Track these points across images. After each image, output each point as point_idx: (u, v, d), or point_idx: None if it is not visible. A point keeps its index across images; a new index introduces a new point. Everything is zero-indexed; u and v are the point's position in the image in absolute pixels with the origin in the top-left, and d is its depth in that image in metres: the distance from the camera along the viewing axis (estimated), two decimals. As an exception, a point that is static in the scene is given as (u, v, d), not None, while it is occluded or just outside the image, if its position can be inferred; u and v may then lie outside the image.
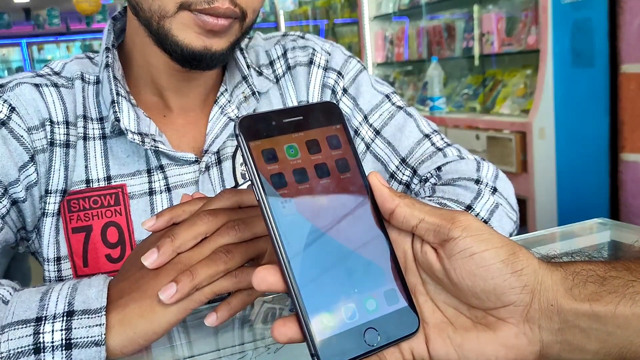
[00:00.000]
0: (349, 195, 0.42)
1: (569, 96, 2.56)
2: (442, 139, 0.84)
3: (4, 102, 0.70)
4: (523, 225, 2.70)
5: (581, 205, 2.58)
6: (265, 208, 0.39)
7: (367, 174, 0.43)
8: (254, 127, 0.41)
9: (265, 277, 0.39)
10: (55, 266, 0.73)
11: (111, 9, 7.99)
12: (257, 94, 0.79)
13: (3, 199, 0.69)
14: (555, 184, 2.67)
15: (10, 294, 0.51)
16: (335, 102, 0.83)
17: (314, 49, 0.85)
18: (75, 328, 0.47)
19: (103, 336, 0.47)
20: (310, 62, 0.84)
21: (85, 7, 6.31)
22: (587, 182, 2.55)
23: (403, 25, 4.09)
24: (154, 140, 0.73)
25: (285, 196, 0.40)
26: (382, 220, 0.43)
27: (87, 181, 0.73)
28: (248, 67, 0.80)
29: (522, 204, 2.68)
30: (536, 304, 0.39)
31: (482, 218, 0.70)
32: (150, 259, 0.49)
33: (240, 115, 0.39)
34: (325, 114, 0.43)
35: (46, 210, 0.73)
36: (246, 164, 0.40)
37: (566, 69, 2.55)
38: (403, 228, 0.42)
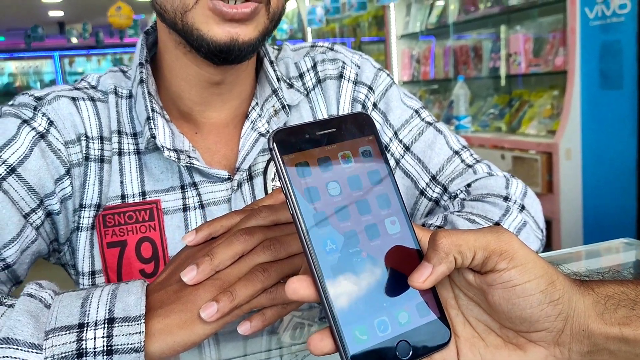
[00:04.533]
0: (381, 207, 0.42)
1: (596, 117, 2.55)
2: (472, 155, 0.84)
3: (42, 115, 0.72)
4: (548, 246, 2.67)
5: (607, 226, 2.55)
6: (299, 221, 0.40)
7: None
8: (288, 141, 0.41)
9: (298, 290, 0.40)
10: (90, 280, 0.74)
11: (143, 24, 8.14)
12: (287, 107, 0.79)
13: (38, 210, 0.70)
14: (581, 205, 2.64)
15: (51, 297, 0.52)
16: None
17: (343, 62, 0.85)
18: (116, 335, 0.49)
19: (142, 343, 0.48)
20: (341, 76, 0.84)
21: (118, 21, 6.46)
22: (614, 203, 2.53)
23: (430, 44, 4.10)
24: (189, 157, 0.73)
25: (318, 209, 0.40)
26: (414, 232, 0.43)
27: (123, 196, 0.74)
28: (278, 80, 0.80)
29: (548, 224, 2.65)
30: (568, 330, 0.40)
31: None
32: (189, 276, 0.51)
33: (273, 129, 0.39)
34: (357, 125, 0.44)
35: (80, 225, 0.74)
36: (280, 178, 0.40)
37: (594, 90, 2.54)
38: (462, 267, 0.41)
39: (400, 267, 0.41)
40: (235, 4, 0.65)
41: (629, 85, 2.40)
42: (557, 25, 2.86)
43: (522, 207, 0.75)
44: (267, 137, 0.41)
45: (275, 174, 0.79)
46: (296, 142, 0.41)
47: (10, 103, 0.74)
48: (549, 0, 2.87)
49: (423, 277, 0.39)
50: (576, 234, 2.65)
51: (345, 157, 0.42)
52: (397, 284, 0.41)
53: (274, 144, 0.40)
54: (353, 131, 0.43)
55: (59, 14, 8.58)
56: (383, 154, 0.44)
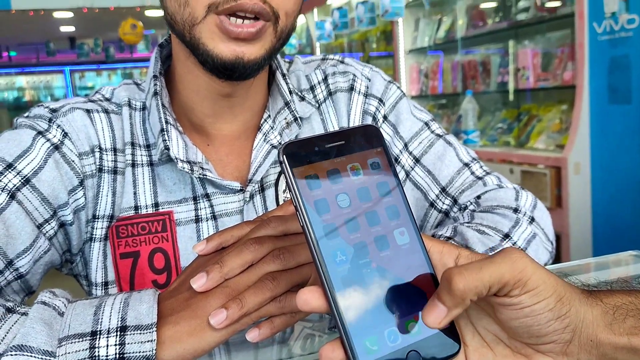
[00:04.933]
0: (390, 218, 0.43)
1: (605, 132, 2.55)
2: (481, 167, 0.84)
3: (57, 127, 0.73)
4: (557, 260, 2.66)
5: (617, 241, 2.54)
6: (309, 232, 0.40)
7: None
8: (298, 153, 0.42)
9: (308, 300, 0.40)
10: (103, 291, 0.75)
11: (153, 39, 8.22)
12: (299, 119, 0.80)
13: (52, 220, 0.70)
14: (590, 219, 2.63)
15: (65, 305, 0.53)
16: None
17: (354, 75, 0.86)
18: (128, 343, 0.49)
19: (154, 351, 0.49)
20: (351, 88, 0.85)
21: (133, 39, 6.57)
22: (623, 218, 2.51)
23: (438, 59, 4.12)
24: (202, 169, 0.74)
25: (328, 221, 0.41)
26: (423, 242, 0.43)
27: (136, 207, 0.75)
28: (291, 92, 0.81)
29: (557, 239, 2.64)
30: (576, 340, 0.40)
31: (519, 247, 0.71)
32: (199, 283, 0.51)
33: (283, 142, 0.39)
34: (366, 137, 0.44)
35: (93, 235, 0.74)
36: (290, 190, 0.41)
37: (602, 105, 2.54)
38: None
39: (410, 278, 0.41)
40: (242, 22, 0.65)
41: (638, 99, 2.40)
42: (566, 39, 2.87)
43: (532, 219, 0.75)
44: (278, 149, 0.41)
45: (285, 186, 0.79)
46: (306, 155, 0.42)
47: (25, 115, 0.76)
48: (557, 15, 2.88)
49: (438, 319, 0.39)
50: (585, 248, 2.64)
51: (354, 169, 0.43)
52: (406, 294, 0.41)
53: (284, 156, 0.41)
54: (362, 143, 0.44)
55: (71, 29, 8.68)
56: (392, 165, 0.44)
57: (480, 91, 3.54)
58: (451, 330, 0.41)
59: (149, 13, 6.81)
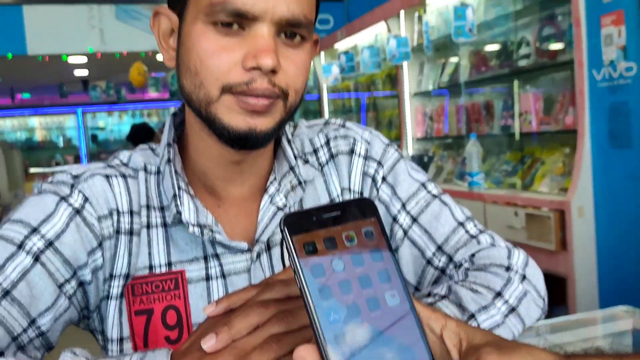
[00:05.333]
0: (382, 281, 0.47)
1: (607, 176, 2.58)
2: (475, 225, 0.89)
3: (79, 193, 0.78)
4: (563, 304, 2.66)
5: (622, 285, 2.55)
6: (305, 293, 0.44)
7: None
8: (297, 223, 0.46)
9: (305, 357, 0.44)
10: (118, 346, 0.79)
11: (163, 81, 8.38)
12: (303, 183, 0.85)
13: (72, 280, 0.75)
14: (595, 263, 2.65)
15: None
16: (375, 189, 0.89)
17: (354, 138, 0.91)
18: None
19: None
20: (352, 151, 0.90)
21: (142, 81, 6.75)
22: (628, 261, 2.53)
23: (442, 102, 4.20)
24: (211, 231, 0.79)
25: (323, 283, 0.45)
26: (413, 305, 0.47)
27: (150, 267, 0.80)
28: (295, 157, 0.86)
29: (562, 282, 2.66)
30: None
31: (511, 305, 0.75)
32: (209, 344, 0.55)
33: (286, 212, 0.44)
34: (361, 208, 0.49)
35: (110, 293, 0.79)
36: (289, 256, 0.45)
37: (604, 149, 2.58)
38: None
39: (399, 337, 0.45)
40: (258, 99, 0.72)
41: (639, 144, 2.44)
42: (566, 84, 2.93)
43: (524, 277, 0.79)
44: (280, 219, 0.46)
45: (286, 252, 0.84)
46: (304, 224, 0.46)
47: (49, 180, 0.81)
48: (557, 62, 2.95)
49: None
50: (591, 292, 2.65)
51: (349, 237, 0.47)
52: (397, 355, 0.44)
53: (285, 226, 0.46)
54: (356, 214, 0.48)
55: (84, 72, 8.88)
56: (384, 234, 0.49)
57: (484, 134, 3.59)
58: None
59: (159, 57, 6.97)
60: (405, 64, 4.31)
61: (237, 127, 0.73)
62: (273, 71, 0.71)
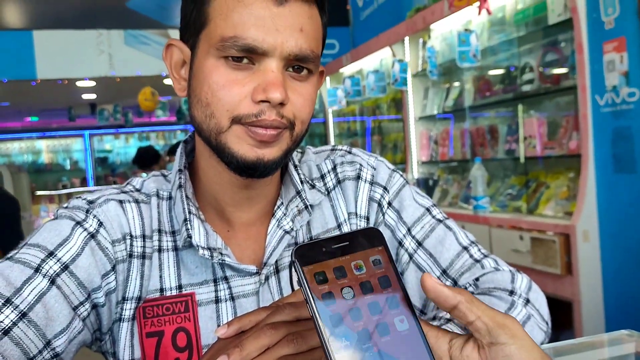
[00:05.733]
0: (390, 307, 0.49)
1: (612, 200, 2.59)
2: (480, 250, 0.91)
3: (94, 217, 0.81)
4: (569, 328, 2.66)
5: (629, 309, 2.55)
6: (317, 321, 0.47)
7: (422, 276, 0.51)
8: (308, 254, 0.49)
9: None
10: None
11: (171, 105, 8.46)
12: (309, 207, 0.87)
13: (86, 303, 0.77)
14: (601, 287, 2.65)
15: None
16: (381, 214, 0.91)
17: (360, 165, 0.94)
18: None
19: None
20: (358, 177, 0.93)
21: (152, 105, 6.86)
22: (634, 286, 2.53)
23: (447, 126, 4.23)
24: (221, 254, 0.81)
25: (334, 311, 0.47)
26: (421, 328, 0.49)
27: (161, 290, 0.82)
28: (302, 182, 0.89)
29: (568, 306, 2.65)
30: None
31: None
32: None
33: (297, 245, 0.47)
34: (368, 238, 0.51)
35: (122, 316, 0.81)
36: (301, 285, 0.48)
37: (608, 174, 2.60)
38: (461, 321, 0.49)
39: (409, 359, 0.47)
40: (266, 130, 0.75)
41: (642, 169, 2.46)
42: (570, 109, 2.95)
43: (527, 301, 0.81)
44: (291, 251, 0.49)
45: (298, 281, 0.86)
46: (315, 255, 0.49)
47: (65, 205, 0.84)
48: (560, 87, 2.98)
49: (432, 282, 0.50)
50: (598, 316, 2.64)
51: (358, 266, 0.50)
52: None
53: (296, 258, 0.48)
54: (364, 243, 0.51)
55: (92, 96, 8.98)
56: (391, 261, 0.51)
57: (489, 158, 3.61)
58: None
59: (167, 82, 7.05)
60: (410, 88, 4.35)
61: (245, 157, 0.76)
62: (281, 104, 0.74)
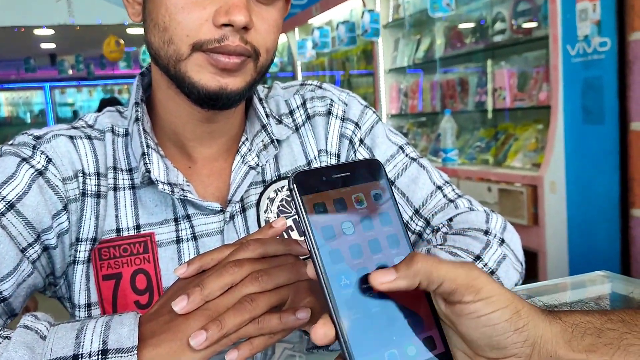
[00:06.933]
0: (391, 246, 0.46)
1: (579, 152, 2.60)
2: (454, 190, 0.87)
3: (41, 154, 0.75)
4: (534, 278, 2.70)
5: (592, 259, 2.59)
6: (317, 257, 0.43)
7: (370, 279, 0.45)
8: (307, 182, 0.45)
9: (328, 334, 0.42)
10: (86, 312, 0.76)
11: (134, 56, 8.22)
12: (275, 141, 0.83)
13: (35, 244, 0.72)
14: (566, 237, 2.68)
15: (47, 329, 0.54)
16: (352, 151, 0.87)
17: (331, 100, 0.89)
18: None
19: None
20: (329, 113, 0.88)
21: (117, 56, 6.63)
22: (598, 236, 2.57)
23: (417, 79, 4.18)
24: (182, 190, 0.76)
25: (334, 246, 0.43)
26: None
27: (118, 230, 0.77)
28: (267, 116, 0.84)
29: (533, 256, 2.69)
30: (536, 355, 0.43)
31: (490, 268, 0.74)
32: (180, 305, 0.53)
33: (294, 171, 0.42)
34: (370, 169, 0.47)
35: (77, 258, 0.76)
36: (299, 216, 0.44)
37: (577, 125, 2.60)
38: (428, 290, 0.44)
39: (408, 303, 0.44)
40: (229, 57, 0.69)
41: (611, 120, 2.46)
42: (541, 60, 2.93)
43: (502, 241, 0.78)
44: (288, 177, 0.44)
45: (267, 206, 0.82)
46: (314, 184, 0.45)
47: (10, 142, 0.77)
48: (532, 38, 2.95)
49: (383, 280, 0.42)
50: (562, 266, 2.68)
51: (359, 200, 0.46)
52: (405, 319, 0.44)
53: (294, 184, 0.44)
54: (365, 175, 0.47)
55: (51, 46, 8.65)
56: (392, 197, 0.47)
57: (459, 110, 3.60)
58: (447, 355, 0.44)
59: (130, 31, 6.82)
60: (380, 40, 4.28)
61: (207, 86, 0.70)
62: (245, 28, 0.69)
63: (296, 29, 5.95)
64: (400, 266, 0.43)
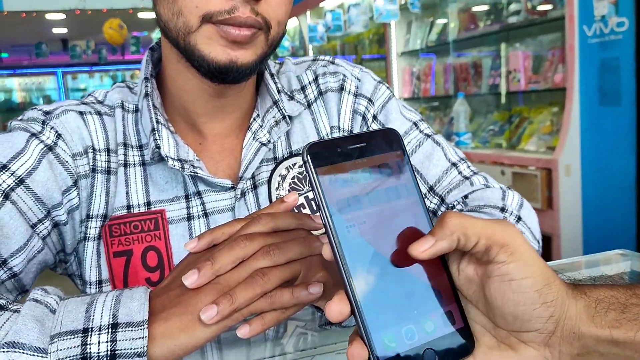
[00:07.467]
0: (409, 219, 0.43)
1: (595, 134, 2.57)
2: (469, 167, 0.86)
3: (51, 129, 0.74)
4: (548, 261, 2.68)
5: (607, 243, 2.56)
6: (331, 231, 0.41)
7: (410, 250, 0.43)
8: (321, 154, 0.42)
9: (343, 311, 0.40)
10: (97, 289, 0.76)
11: (144, 41, 8.21)
12: (287, 117, 0.81)
13: (45, 220, 0.71)
14: (580, 221, 2.66)
15: (57, 302, 0.54)
16: (365, 128, 0.85)
17: (344, 75, 0.87)
18: (119, 340, 0.50)
19: (145, 348, 0.50)
20: (341, 88, 0.86)
21: (114, 35, 6.53)
22: (613, 220, 2.54)
23: (430, 62, 4.14)
24: (193, 166, 0.75)
25: (350, 220, 0.41)
26: None
27: (128, 207, 0.76)
28: (279, 92, 0.82)
29: (547, 240, 2.67)
30: (559, 332, 0.42)
31: None
32: (190, 279, 0.52)
33: (307, 142, 0.41)
34: (387, 140, 0.45)
35: (87, 235, 0.75)
36: (313, 189, 0.41)
37: (593, 107, 2.56)
38: (465, 249, 0.42)
39: (427, 277, 0.43)
40: (240, 29, 0.67)
41: (628, 101, 2.42)
42: (556, 42, 2.89)
43: (519, 218, 0.77)
44: (302, 149, 0.42)
45: (278, 184, 0.81)
46: (329, 155, 0.42)
47: (19, 118, 0.77)
48: (547, 19, 2.90)
49: (423, 247, 0.41)
50: (576, 249, 2.66)
51: (376, 171, 0.44)
52: (423, 294, 0.42)
53: (308, 156, 0.41)
54: (382, 146, 0.44)
55: (63, 30, 8.66)
56: (411, 169, 0.45)
57: (472, 93, 3.56)
58: (466, 330, 0.43)
59: (141, 15, 6.80)
60: (393, 23, 4.24)
61: (217, 59, 0.69)
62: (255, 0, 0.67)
63: (308, 12, 5.91)
64: (435, 230, 0.41)
